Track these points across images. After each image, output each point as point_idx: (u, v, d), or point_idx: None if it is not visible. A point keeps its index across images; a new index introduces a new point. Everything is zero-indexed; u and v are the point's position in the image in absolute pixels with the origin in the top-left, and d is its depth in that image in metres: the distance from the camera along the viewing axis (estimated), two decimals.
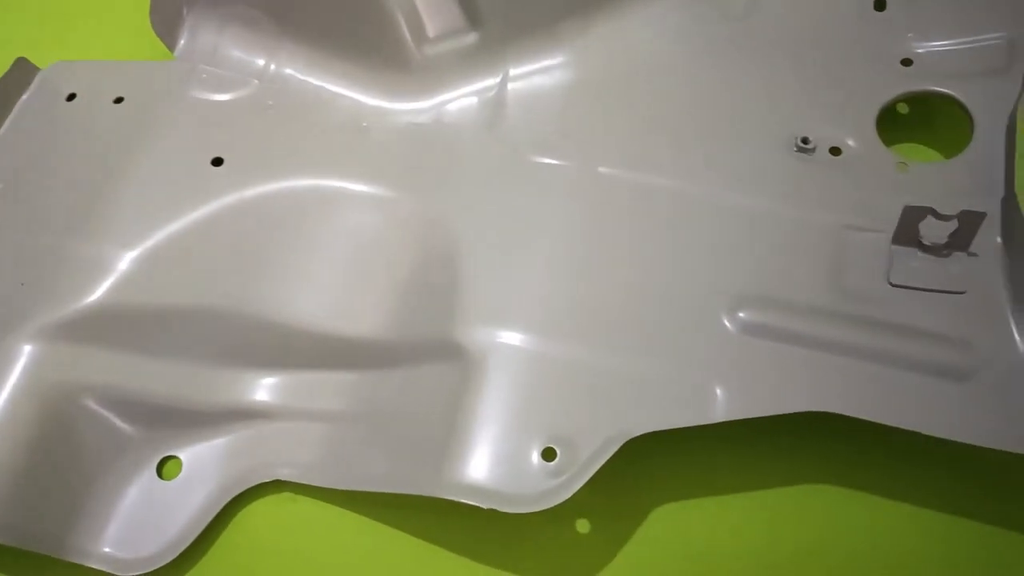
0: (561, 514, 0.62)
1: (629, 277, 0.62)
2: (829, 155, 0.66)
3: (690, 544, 0.61)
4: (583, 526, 0.63)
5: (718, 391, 0.57)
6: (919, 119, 0.73)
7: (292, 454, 0.64)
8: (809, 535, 0.61)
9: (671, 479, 0.63)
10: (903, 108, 0.74)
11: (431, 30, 0.71)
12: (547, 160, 0.68)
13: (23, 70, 0.79)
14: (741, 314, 0.60)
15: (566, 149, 0.69)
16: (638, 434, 0.56)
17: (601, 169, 0.67)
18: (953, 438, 0.54)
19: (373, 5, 0.70)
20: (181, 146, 0.71)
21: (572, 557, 0.62)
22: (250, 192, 0.68)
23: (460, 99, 0.73)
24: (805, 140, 0.66)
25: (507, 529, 0.62)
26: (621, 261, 0.63)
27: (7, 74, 0.78)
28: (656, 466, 0.64)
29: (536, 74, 0.73)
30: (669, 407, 0.57)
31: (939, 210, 0.57)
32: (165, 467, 0.66)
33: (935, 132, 0.72)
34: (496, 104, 0.72)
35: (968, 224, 0.57)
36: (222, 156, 0.70)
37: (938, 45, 0.69)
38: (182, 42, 0.76)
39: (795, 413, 0.56)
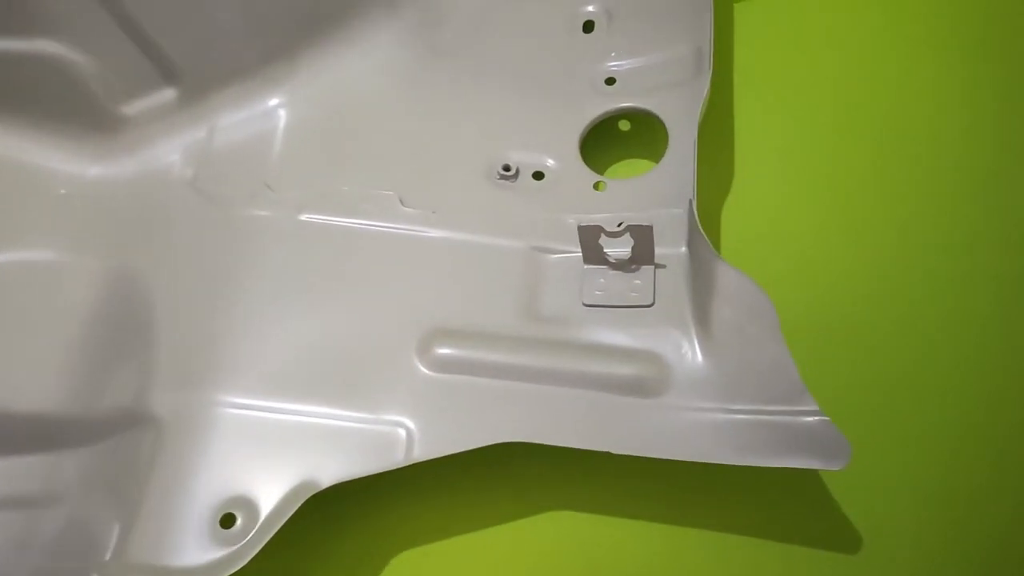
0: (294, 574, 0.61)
1: (326, 326, 0.61)
2: (532, 180, 0.66)
3: None
4: None
5: (409, 433, 0.56)
6: (639, 135, 0.73)
7: None
8: (548, 561, 0.60)
9: (410, 525, 0.62)
10: (625, 125, 0.74)
11: (121, 90, 0.68)
12: (251, 211, 0.66)
13: None
14: (438, 350, 0.59)
15: (270, 198, 0.67)
16: (324, 487, 0.54)
17: (303, 217, 0.65)
18: (644, 455, 0.53)
19: (60, 71, 0.67)
20: None
21: None
22: None
23: (166, 156, 0.70)
24: (506, 167, 0.66)
25: None
26: (319, 311, 0.62)
27: None
28: (394, 514, 0.62)
29: (249, 121, 0.71)
30: (359, 455, 0.55)
31: (606, 227, 0.56)
32: None
33: (655, 146, 0.72)
34: (203, 157, 0.70)
35: (641, 238, 0.57)
36: None
37: (636, 63, 0.69)
38: None
39: (529, 443, 0.55)
